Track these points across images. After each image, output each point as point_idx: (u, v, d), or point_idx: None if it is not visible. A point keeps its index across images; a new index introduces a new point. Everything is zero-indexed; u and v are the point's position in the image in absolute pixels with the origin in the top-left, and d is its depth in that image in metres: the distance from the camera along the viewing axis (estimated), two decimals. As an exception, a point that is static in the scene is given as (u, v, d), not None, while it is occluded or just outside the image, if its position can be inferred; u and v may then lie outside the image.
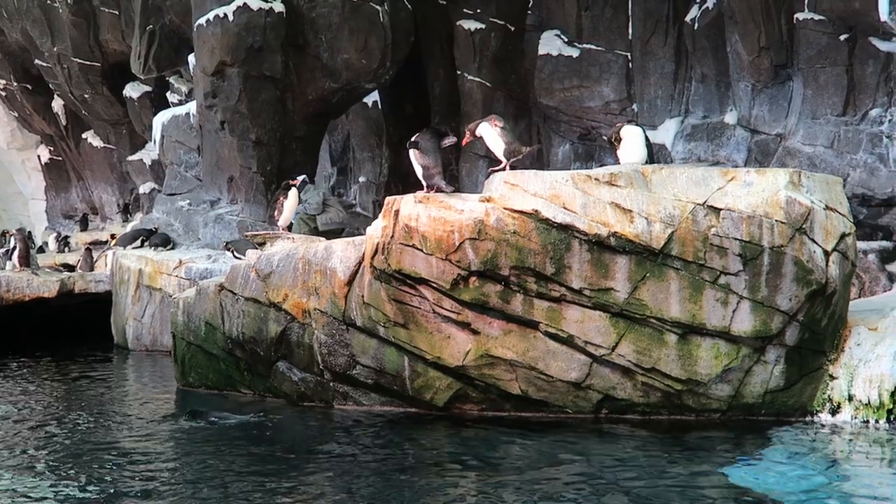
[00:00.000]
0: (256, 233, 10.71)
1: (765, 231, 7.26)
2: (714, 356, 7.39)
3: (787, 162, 13.21)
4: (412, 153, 8.42)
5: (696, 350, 7.39)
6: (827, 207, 7.52)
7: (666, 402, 7.58)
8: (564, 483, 5.78)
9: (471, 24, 17.20)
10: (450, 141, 8.26)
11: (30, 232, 26.08)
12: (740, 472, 5.99)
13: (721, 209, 7.33)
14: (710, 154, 14.75)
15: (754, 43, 13.85)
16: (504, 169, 8.09)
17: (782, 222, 7.27)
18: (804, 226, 7.30)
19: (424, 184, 8.25)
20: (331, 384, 8.44)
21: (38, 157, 29.71)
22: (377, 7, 15.60)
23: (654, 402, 7.59)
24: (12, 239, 18.49)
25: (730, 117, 14.90)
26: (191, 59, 17.02)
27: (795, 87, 13.87)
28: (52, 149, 29.08)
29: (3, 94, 27.91)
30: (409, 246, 7.72)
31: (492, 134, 8.25)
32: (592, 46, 16.37)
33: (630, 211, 7.36)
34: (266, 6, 14.92)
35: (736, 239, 7.26)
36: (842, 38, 13.19)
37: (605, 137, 10.01)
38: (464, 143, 8.96)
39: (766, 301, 7.28)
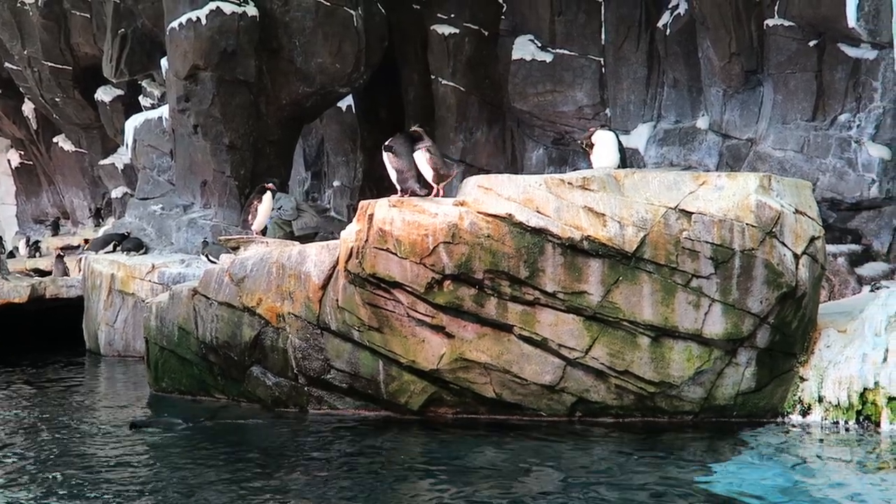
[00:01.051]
0: (230, 237, 10.67)
1: (735, 234, 7.33)
2: (686, 359, 7.45)
3: (758, 166, 13.35)
4: (386, 157, 8.43)
5: (669, 353, 7.45)
6: (797, 211, 7.61)
7: (639, 405, 7.63)
8: (539, 487, 5.80)
9: (445, 29, 17.25)
10: (424, 145, 8.28)
11: (1, 237, 25.79)
12: (713, 474, 6.04)
13: (693, 213, 7.40)
14: (682, 158, 14.88)
15: (725, 49, 14.00)
16: (439, 194, 8.16)
17: (753, 226, 7.34)
18: (774, 229, 7.39)
19: (398, 187, 8.26)
20: (305, 388, 8.42)
21: (9, 161, 29.38)
22: (351, 11, 15.60)
23: (628, 405, 7.64)
24: (-18, 244, 18.31)
25: (701, 122, 15.05)
26: (163, 62, 16.91)
27: (766, 92, 14.03)
28: (22, 153, 28.78)
29: (-27, 97, 27.59)
30: (383, 250, 7.73)
31: (423, 162, 8.29)
32: (566, 51, 16.47)
33: (603, 215, 7.41)
34: (239, 10, 14.88)
35: (707, 242, 7.33)
36: (811, 43, 13.35)
37: (578, 142, 10.08)
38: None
39: (738, 304, 7.35)
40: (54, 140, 26.50)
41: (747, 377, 7.53)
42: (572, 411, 7.72)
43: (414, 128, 8.64)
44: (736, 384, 7.54)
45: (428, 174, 8.28)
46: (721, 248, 7.33)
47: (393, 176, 8.33)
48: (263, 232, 11.46)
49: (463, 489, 5.72)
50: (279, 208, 12.30)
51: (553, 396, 7.66)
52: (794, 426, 7.47)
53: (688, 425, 7.54)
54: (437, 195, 8.19)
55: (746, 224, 7.35)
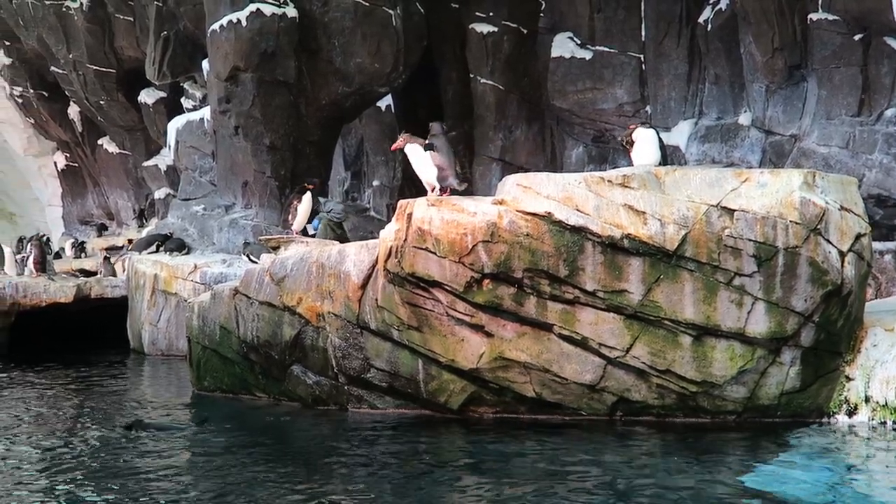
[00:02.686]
0: (270, 237, 10.74)
1: (779, 232, 7.23)
2: (729, 358, 7.36)
3: (802, 163, 13.15)
4: (429, 155, 8.42)
5: (711, 352, 7.37)
6: (842, 208, 7.48)
7: (681, 404, 7.55)
8: (579, 487, 5.76)
9: (483, 28, 17.21)
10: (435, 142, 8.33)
11: (47, 238, 26.21)
12: (757, 475, 5.96)
13: (735, 210, 7.30)
14: (724, 155, 14.71)
15: (768, 44, 13.81)
16: (445, 192, 8.16)
17: (797, 223, 7.23)
18: (819, 226, 7.27)
19: (438, 185, 8.26)
20: (345, 387, 8.44)
21: (55, 163, 29.87)
22: (390, 11, 15.62)
23: (669, 404, 7.56)
24: (29, 245, 18.61)
25: (744, 118, 14.87)
26: (205, 64, 17.10)
27: (810, 87, 13.82)
28: (68, 155, 29.24)
29: (20, 100, 28.09)
30: (422, 249, 7.73)
31: (424, 158, 8.33)
32: (605, 48, 16.36)
33: (643, 213, 7.34)
34: (279, 11, 14.97)
35: (750, 240, 7.23)
36: (856, 37, 13.13)
37: (618, 139, 10.01)
38: (393, 148, 8.95)
39: (781, 302, 7.24)
40: (99, 142, 26.90)
41: (791, 376, 7.42)
42: (613, 411, 7.66)
43: (432, 123, 8.65)
44: (780, 384, 7.43)
45: (430, 174, 8.32)
46: (764, 246, 7.23)
47: (433, 173, 8.33)
48: (305, 232, 11.51)
49: (504, 489, 5.70)
50: (330, 210, 12.31)
51: (594, 396, 7.60)
52: (840, 426, 7.35)
53: (731, 425, 7.45)
54: (433, 191, 8.22)
55: (790, 221, 7.24)
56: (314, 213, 11.63)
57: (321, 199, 12.23)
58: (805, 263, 7.23)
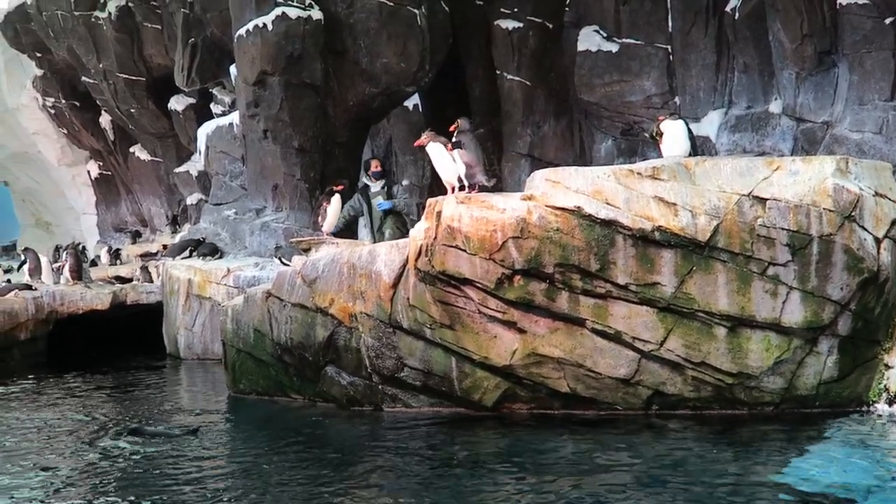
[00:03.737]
0: (301, 239, 10.79)
1: (813, 220, 7.14)
2: (765, 349, 7.29)
3: (835, 149, 12.98)
4: (456, 153, 8.40)
5: (747, 343, 7.30)
6: (876, 194, 7.38)
7: (717, 397, 7.49)
8: (617, 482, 5.73)
9: (508, 24, 17.17)
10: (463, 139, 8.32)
11: (83, 246, 26.57)
12: (796, 466, 5.89)
13: (767, 199, 7.23)
14: (755, 145, 14.55)
15: (797, 30, 13.63)
16: (474, 189, 8.13)
17: (831, 210, 7.15)
18: (853, 213, 7.18)
19: (466, 183, 8.25)
20: (379, 387, 8.46)
21: (88, 172, 30.24)
22: (414, 10, 15.62)
23: (706, 397, 7.50)
24: (64, 254, 18.87)
25: (774, 107, 14.68)
26: (232, 69, 17.20)
27: (841, 73, 13.62)
28: (101, 164, 29.60)
29: (52, 111, 28.47)
30: (452, 247, 7.72)
31: (445, 157, 8.32)
32: (632, 41, 16.24)
33: (674, 204, 7.29)
34: (304, 14, 15.03)
35: (783, 229, 7.16)
36: (887, 21, 12.92)
37: (647, 132, 9.94)
38: (416, 144, 8.94)
39: (817, 291, 7.16)
40: (131, 150, 27.19)
41: (829, 366, 7.33)
42: (648, 404, 7.62)
43: (459, 119, 8.62)
44: (818, 373, 7.35)
45: (450, 170, 8.32)
46: (798, 235, 7.15)
47: (453, 173, 8.31)
48: (351, 232, 11.42)
49: (542, 485, 5.69)
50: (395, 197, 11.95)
51: (628, 390, 7.56)
52: (880, 416, 7.24)
53: (768, 417, 7.37)
54: (452, 191, 8.20)
55: (824, 209, 7.15)
56: (389, 195, 11.51)
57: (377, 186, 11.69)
58: (840, 251, 7.14)
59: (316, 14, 15.18)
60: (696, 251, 7.26)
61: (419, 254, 7.94)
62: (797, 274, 7.17)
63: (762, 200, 7.24)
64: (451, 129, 8.62)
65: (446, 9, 16.47)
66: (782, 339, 7.27)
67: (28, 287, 15.74)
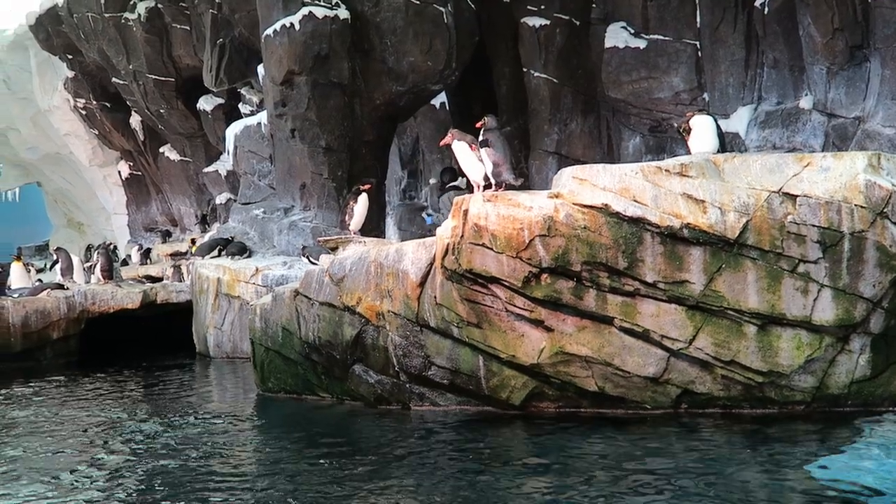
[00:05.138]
0: (329, 237, 10.82)
1: (844, 216, 7.06)
2: (796, 347, 7.21)
3: (867, 145, 12.80)
4: (484, 152, 8.38)
5: (777, 341, 7.22)
6: (909, 190, 7.27)
7: (747, 396, 7.42)
8: (646, 481, 5.69)
9: (535, 21, 17.11)
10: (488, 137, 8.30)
11: (114, 246, 26.84)
12: (828, 466, 5.82)
13: (797, 196, 7.15)
14: (785, 141, 14.39)
15: (828, 24, 13.46)
16: (501, 187, 8.09)
17: (862, 207, 7.05)
18: (885, 209, 7.08)
19: (493, 181, 8.22)
20: (407, 385, 8.47)
21: (119, 172, 30.55)
22: (441, 9, 15.61)
23: (736, 396, 7.43)
24: (95, 254, 19.06)
25: (805, 102, 14.51)
26: (260, 69, 17.28)
27: (872, 67, 13.43)
28: (131, 164, 29.89)
29: (84, 112, 28.78)
30: (479, 245, 7.71)
31: (470, 155, 8.28)
32: (660, 37, 16.12)
33: (703, 201, 7.23)
34: (331, 13, 15.06)
35: (814, 226, 7.08)
36: (920, 14, 12.73)
37: (675, 128, 9.86)
38: (441, 143, 8.92)
39: (849, 288, 7.07)
40: (161, 150, 27.43)
41: (861, 364, 7.23)
42: (678, 403, 7.56)
43: (486, 117, 8.60)
44: (850, 372, 7.25)
45: (476, 170, 8.30)
46: (829, 232, 7.06)
47: (479, 172, 8.29)
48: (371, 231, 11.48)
49: (570, 484, 5.66)
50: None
51: (657, 388, 7.51)
52: (914, 415, 7.14)
53: (799, 415, 7.29)
54: (477, 188, 8.19)
55: (855, 205, 7.06)
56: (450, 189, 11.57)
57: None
58: (872, 248, 7.05)
59: (343, 13, 15.22)
60: (725, 248, 7.20)
61: (446, 252, 7.94)
62: (828, 271, 7.09)
63: (792, 197, 7.16)
64: (478, 126, 8.60)
65: (473, 7, 16.45)
66: (813, 338, 7.19)
67: (60, 286, 15.91)
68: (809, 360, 7.20)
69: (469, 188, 11.43)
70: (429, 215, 11.15)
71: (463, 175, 15.57)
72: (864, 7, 13.26)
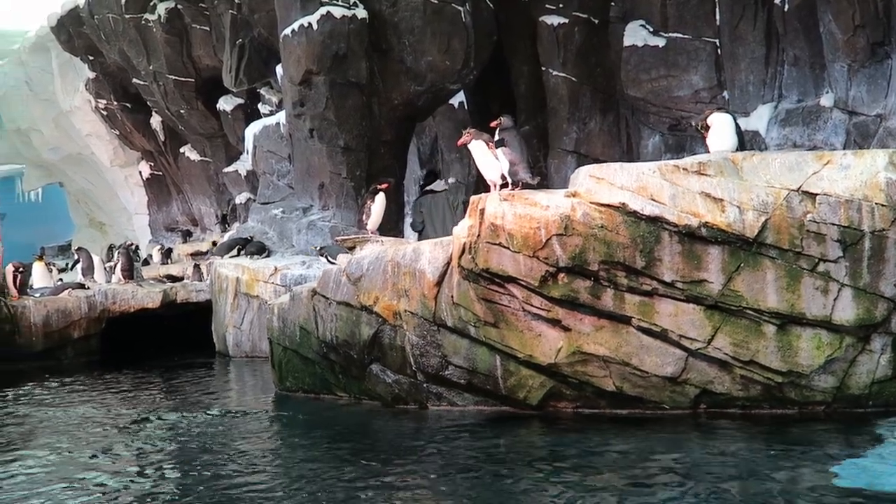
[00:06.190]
0: (346, 237, 10.83)
1: (864, 215, 6.98)
2: (815, 347, 7.14)
3: (889, 143, 12.69)
4: (501, 151, 8.35)
5: (797, 341, 7.16)
6: (931, 188, 7.18)
7: (767, 396, 7.35)
8: (664, 482, 5.65)
9: (553, 20, 17.09)
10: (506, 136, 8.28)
11: (136, 246, 27.01)
12: (849, 468, 5.75)
13: (817, 194, 7.08)
14: (806, 139, 14.30)
15: (849, 21, 13.36)
16: (518, 187, 8.04)
17: (883, 205, 6.98)
18: (907, 208, 6.99)
19: (509, 180, 8.20)
20: (424, 385, 8.46)
21: (140, 172, 30.75)
22: (459, 8, 15.61)
23: (755, 396, 7.37)
24: (116, 254, 19.20)
25: (826, 100, 14.41)
26: (279, 69, 17.34)
27: (894, 64, 13.31)
28: (152, 164, 30.07)
29: (105, 113, 28.99)
30: (495, 244, 7.69)
31: (487, 155, 8.26)
32: (679, 35, 16.06)
33: (721, 200, 7.18)
34: (349, 13, 15.09)
35: (834, 224, 7.01)
36: (943, 10, 12.61)
37: (693, 126, 9.80)
38: (458, 143, 8.89)
39: (869, 288, 7.00)
40: (181, 150, 27.58)
41: (883, 364, 7.15)
42: (696, 403, 7.50)
43: (502, 117, 8.57)
44: (870, 372, 7.17)
45: (493, 168, 8.28)
46: (849, 230, 6.99)
47: (495, 171, 8.27)
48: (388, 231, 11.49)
49: (589, 484, 5.62)
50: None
51: (675, 388, 7.46)
52: (936, 416, 7.06)
53: (819, 416, 7.22)
54: (494, 188, 8.16)
55: (876, 204, 6.98)
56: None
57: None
58: (893, 247, 6.97)
59: (361, 13, 15.24)
60: (743, 247, 7.14)
61: (463, 251, 7.92)
62: (848, 270, 7.02)
63: (812, 195, 7.10)
64: (493, 125, 8.58)
65: (490, 6, 16.44)
66: (833, 337, 7.12)
67: (81, 286, 16.04)
68: (830, 360, 7.13)
69: (470, 190, 11.44)
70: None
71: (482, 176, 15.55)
72: (886, 3, 13.15)
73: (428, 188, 17.84)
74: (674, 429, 7.08)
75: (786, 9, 14.67)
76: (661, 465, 6.05)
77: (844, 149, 13.27)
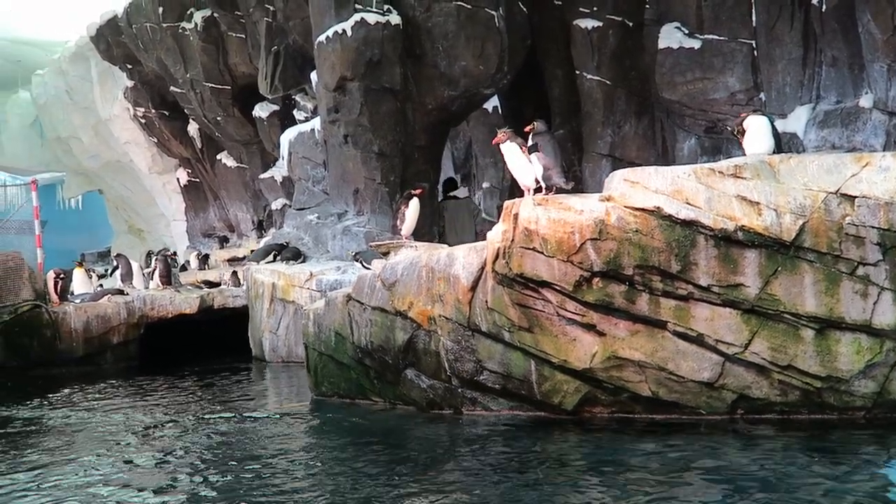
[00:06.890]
0: (381, 242, 10.87)
1: (905, 218, 6.87)
2: (855, 351, 7.04)
3: (930, 144, 12.49)
4: (534, 156, 8.35)
5: (836, 345, 7.06)
6: (974, 189, 7.06)
7: (805, 401, 7.26)
8: (702, 488, 5.60)
9: (587, 23, 17.02)
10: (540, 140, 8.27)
11: (174, 252, 27.33)
12: (891, 474, 5.66)
13: (856, 197, 6.99)
14: (845, 140, 14.10)
15: (888, 21, 13.16)
16: (551, 191, 8.00)
17: (924, 207, 6.87)
18: (948, 210, 6.88)
19: (543, 184, 8.18)
20: (458, 390, 8.46)
21: (178, 179, 31.10)
22: (492, 12, 15.61)
23: (793, 401, 7.28)
24: (154, 260, 19.43)
25: (865, 101, 14.21)
26: (314, 76, 17.46)
27: (936, 64, 13.12)
28: (189, 171, 30.41)
29: (143, 121, 29.36)
30: (529, 249, 7.67)
31: (521, 158, 8.24)
32: (714, 37, 15.93)
33: (757, 203, 7.10)
34: (383, 19, 15.16)
35: (873, 227, 6.91)
36: None
37: (729, 128, 9.72)
38: (493, 142, 8.88)
39: (910, 291, 6.89)
40: (218, 157, 27.87)
41: (925, 369, 7.03)
42: (733, 409, 7.43)
43: (535, 122, 8.56)
44: (912, 377, 7.06)
45: (526, 172, 8.25)
46: (889, 233, 6.89)
47: (529, 175, 8.26)
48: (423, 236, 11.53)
49: (626, 490, 5.59)
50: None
51: (712, 394, 7.39)
52: (980, 421, 6.93)
53: (860, 422, 7.11)
54: (527, 192, 8.15)
55: (917, 206, 6.87)
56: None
57: None
58: (934, 250, 6.85)
59: (394, 19, 15.30)
60: (781, 251, 7.06)
61: (497, 256, 7.91)
62: (888, 274, 6.91)
63: (850, 198, 7.01)
64: (527, 130, 8.57)
65: (524, 10, 16.42)
66: (874, 342, 7.01)
67: (120, 292, 16.25)
68: (870, 364, 7.02)
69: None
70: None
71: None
72: (927, 2, 12.96)
73: (451, 194, 17.86)
74: (711, 434, 7.01)
75: (823, 9, 14.50)
76: (698, 471, 6.00)
77: (884, 150, 13.08)
